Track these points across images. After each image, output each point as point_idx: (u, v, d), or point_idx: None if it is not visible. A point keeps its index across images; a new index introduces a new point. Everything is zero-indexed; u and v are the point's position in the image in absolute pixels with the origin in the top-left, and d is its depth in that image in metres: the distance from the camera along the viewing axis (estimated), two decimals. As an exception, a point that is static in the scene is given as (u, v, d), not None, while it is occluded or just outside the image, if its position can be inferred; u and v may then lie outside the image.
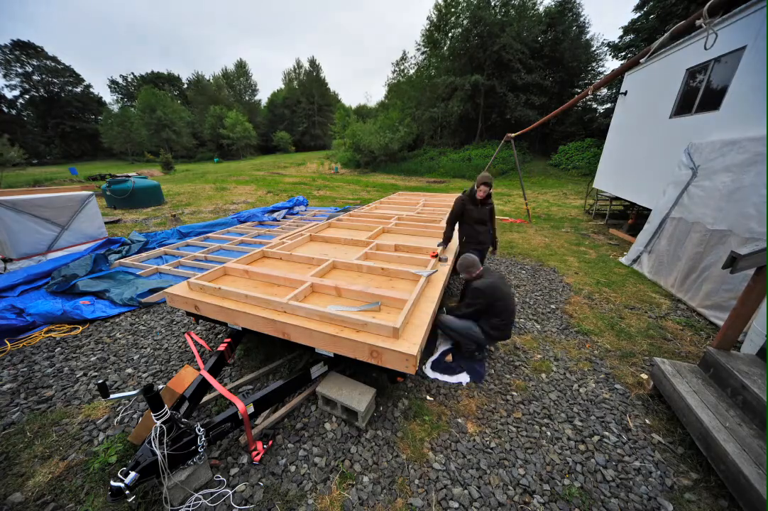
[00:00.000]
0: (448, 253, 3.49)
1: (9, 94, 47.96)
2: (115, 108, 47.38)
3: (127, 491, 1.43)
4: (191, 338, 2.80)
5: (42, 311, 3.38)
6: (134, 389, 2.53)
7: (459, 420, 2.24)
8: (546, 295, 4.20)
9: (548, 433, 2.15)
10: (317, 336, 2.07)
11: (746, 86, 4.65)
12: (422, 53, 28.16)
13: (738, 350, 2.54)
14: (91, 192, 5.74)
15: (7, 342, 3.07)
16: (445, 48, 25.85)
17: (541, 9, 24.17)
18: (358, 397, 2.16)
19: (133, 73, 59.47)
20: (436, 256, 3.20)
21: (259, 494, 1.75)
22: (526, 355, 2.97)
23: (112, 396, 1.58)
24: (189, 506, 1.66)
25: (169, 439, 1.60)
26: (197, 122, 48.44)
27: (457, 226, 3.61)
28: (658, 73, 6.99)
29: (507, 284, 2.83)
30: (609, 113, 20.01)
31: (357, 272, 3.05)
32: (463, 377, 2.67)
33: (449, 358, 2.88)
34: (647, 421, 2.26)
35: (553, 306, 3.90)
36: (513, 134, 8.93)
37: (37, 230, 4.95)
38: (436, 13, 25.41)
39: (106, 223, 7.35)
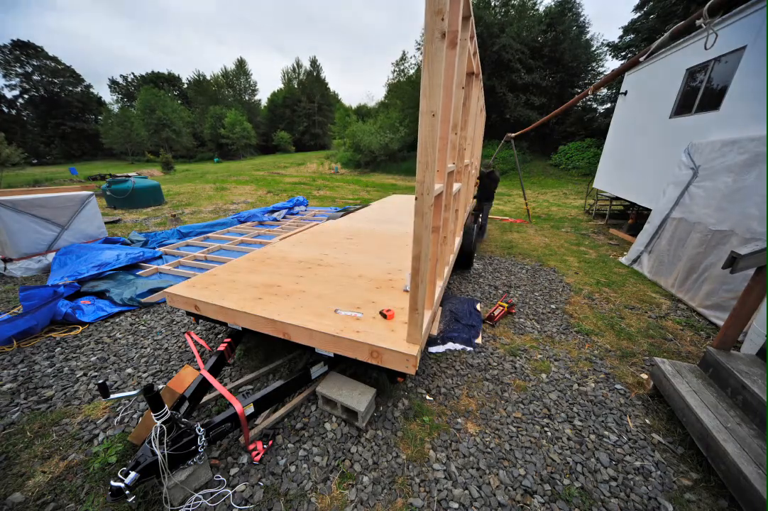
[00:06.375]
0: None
1: (9, 94, 47.99)
2: (115, 108, 47.35)
3: (127, 491, 1.43)
4: (191, 338, 2.80)
5: (44, 311, 3.37)
6: (134, 389, 2.53)
7: (459, 420, 2.24)
8: (546, 295, 4.20)
9: (548, 433, 2.15)
10: (317, 336, 2.07)
11: (746, 86, 4.66)
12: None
13: (738, 350, 2.54)
14: (91, 192, 5.73)
15: (14, 341, 3.07)
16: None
17: (541, 9, 24.18)
18: (358, 397, 2.15)
19: (133, 73, 59.63)
20: None
21: (259, 494, 1.75)
22: (526, 355, 2.97)
23: (112, 396, 1.58)
24: (189, 506, 1.66)
25: (169, 439, 1.60)
26: (197, 122, 48.45)
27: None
28: (658, 73, 6.99)
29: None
30: (609, 113, 20.01)
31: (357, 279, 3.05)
32: (451, 345, 3.04)
33: (434, 331, 3.12)
34: (647, 421, 2.26)
35: (553, 306, 3.90)
36: (513, 134, 8.94)
37: (37, 230, 4.95)
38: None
39: (106, 223, 7.35)
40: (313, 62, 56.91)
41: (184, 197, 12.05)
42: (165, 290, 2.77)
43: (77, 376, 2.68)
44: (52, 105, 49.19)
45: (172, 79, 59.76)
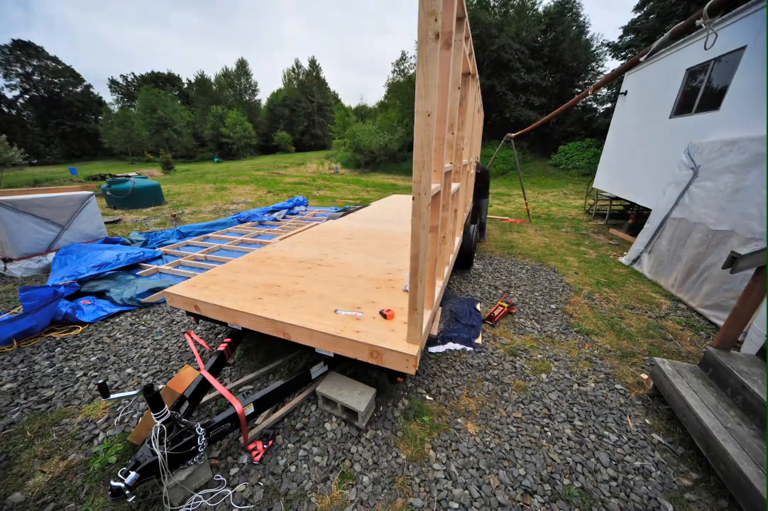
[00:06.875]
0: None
1: (9, 94, 48.02)
2: (116, 108, 47.37)
3: (127, 491, 1.43)
4: (191, 338, 2.80)
5: (45, 311, 3.37)
6: (134, 389, 2.53)
7: (459, 420, 2.24)
8: (546, 295, 4.20)
9: (548, 433, 2.15)
10: (317, 336, 2.07)
11: (746, 86, 4.66)
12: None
13: (738, 350, 2.54)
14: (91, 192, 5.73)
15: (14, 341, 3.07)
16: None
17: (541, 9, 24.19)
18: (358, 397, 2.16)
19: (133, 73, 59.67)
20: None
21: (259, 494, 1.75)
22: (526, 355, 2.97)
23: (112, 396, 1.58)
24: (189, 506, 1.66)
25: (169, 439, 1.60)
26: (198, 122, 48.49)
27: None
28: (658, 73, 6.99)
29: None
30: (609, 113, 20.01)
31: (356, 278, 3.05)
32: (451, 345, 3.04)
33: (434, 331, 3.13)
34: (647, 421, 2.26)
35: (553, 306, 3.90)
36: (513, 134, 8.94)
37: (37, 230, 4.95)
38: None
39: (106, 223, 7.35)
40: (312, 62, 56.93)
41: (184, 197, 12.06)
42: (165, 290, 2.77)
43: (77, 376, 2.68)
44: (52, 105, 49.24)
45: (172, 79, 59.81)
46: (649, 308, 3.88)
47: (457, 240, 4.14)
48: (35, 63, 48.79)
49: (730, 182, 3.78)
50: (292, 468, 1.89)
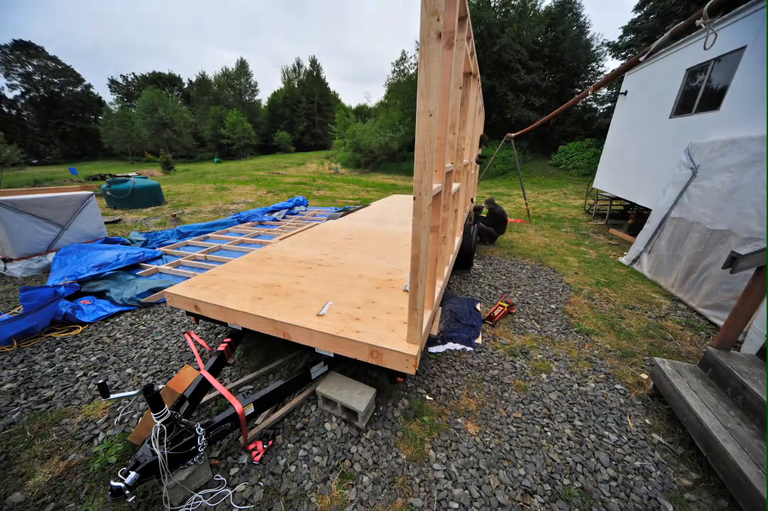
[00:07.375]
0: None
1: (9, 94, 48.02)
2: (115, 108, 47.38)
3: (127, 491, 1.43)
4: (191, 338, 2.80)
5: (45, 311, 3.37)
6: (134, 389, 2.53)
7: (459, 420, 2.24)
8: (546, 295, 4.20)
9: (548, 433, 2.15)
10: (317, 336, 2.07)
11: (746, 86, 4.66)
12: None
13: (738, 350, 2.54)
14: (91, 192, 5.73)
15: (14, 341, 3.07)
16: (445, 48, 25.83)
17: (542, 9, 24.18)
18: (358, 397, 2.16)
19: (133, 73, 59.66)
20: None
21: (259, 494, 1.75)
22: (526, 355, 2.97)
23: (112, 396, 1.58)
24: (189, 506, 1.66)
25: (169, 439, 1.60)
26: (198, 122, 48.52)
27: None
28: (658, 73, 6.99)
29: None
30: (609, 113, 20.03)
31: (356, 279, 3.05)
32: (451, 345, 3.05)
33: (434, 331, 3.11)
34: (647, 421, 2.26)
35: (553, 306, 3.90)
36: (513, 134, 8.95)
37: (37, 230, 4.95)
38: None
39: (106, 223, 7.35)
40: (313, 62, 56.93)
41: (184, 197, 12.05)
42: (165, 290, 2.77)
43: (77, 376, 2.68)
44: (52, 105, 49.24)
45: (172, 80, 59.79)
46: (649, 308, 3.89)
47: (457, 240, 4.14)
48: (35, 63, 48.79)
49: (727, 181, 3.78)
50: (292, 468, 1.89)
